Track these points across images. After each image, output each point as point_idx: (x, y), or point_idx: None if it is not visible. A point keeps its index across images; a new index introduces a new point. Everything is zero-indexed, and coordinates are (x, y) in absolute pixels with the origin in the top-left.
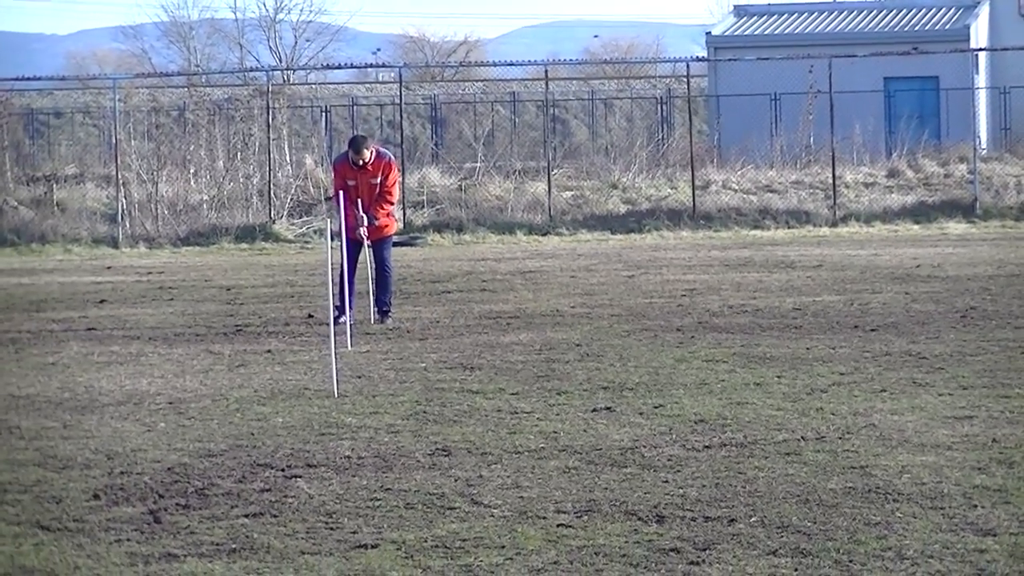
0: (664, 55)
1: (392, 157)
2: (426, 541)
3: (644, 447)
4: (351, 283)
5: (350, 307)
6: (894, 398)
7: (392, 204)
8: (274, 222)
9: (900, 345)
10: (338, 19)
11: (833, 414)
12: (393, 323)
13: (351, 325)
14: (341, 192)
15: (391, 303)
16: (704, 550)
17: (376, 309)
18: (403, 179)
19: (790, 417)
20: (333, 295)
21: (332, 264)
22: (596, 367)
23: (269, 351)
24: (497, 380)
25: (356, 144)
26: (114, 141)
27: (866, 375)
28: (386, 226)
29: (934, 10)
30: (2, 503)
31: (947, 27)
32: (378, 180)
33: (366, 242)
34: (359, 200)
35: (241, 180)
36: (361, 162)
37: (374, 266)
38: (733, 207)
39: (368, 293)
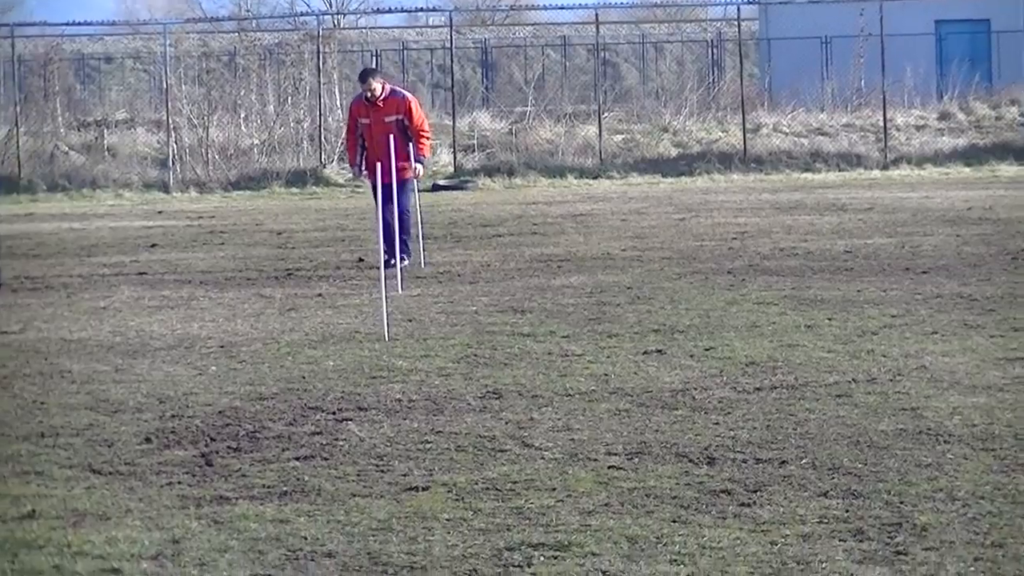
0: None
1: (409, 95)
2: (477, 484)
3: (695, 389)
4: (388, 226)
5: (396, 249)
6: (945, 340)
7: (427, 137)
8: (324, 166)
9: (951, 287)
10: None
11: (884, 356)
12: (407, 267)
13: (401, 269)
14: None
15: (407, 247)
16: (755, 492)
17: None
18: (453, 123)
19: (841, 359)
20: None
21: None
22: (647, 310)
23: (320, 295)
24: (548, 323)
25: (363, 75)
26: (164, 86)
27: (917, 317)
28: (403, 168)
29: None
30: (54, 446)
31: None
32: (394, 118)
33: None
34: (372, 140)
35: (292, 125)
36: (371, 95)
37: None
38: (784, 150)
39: (419, 237)
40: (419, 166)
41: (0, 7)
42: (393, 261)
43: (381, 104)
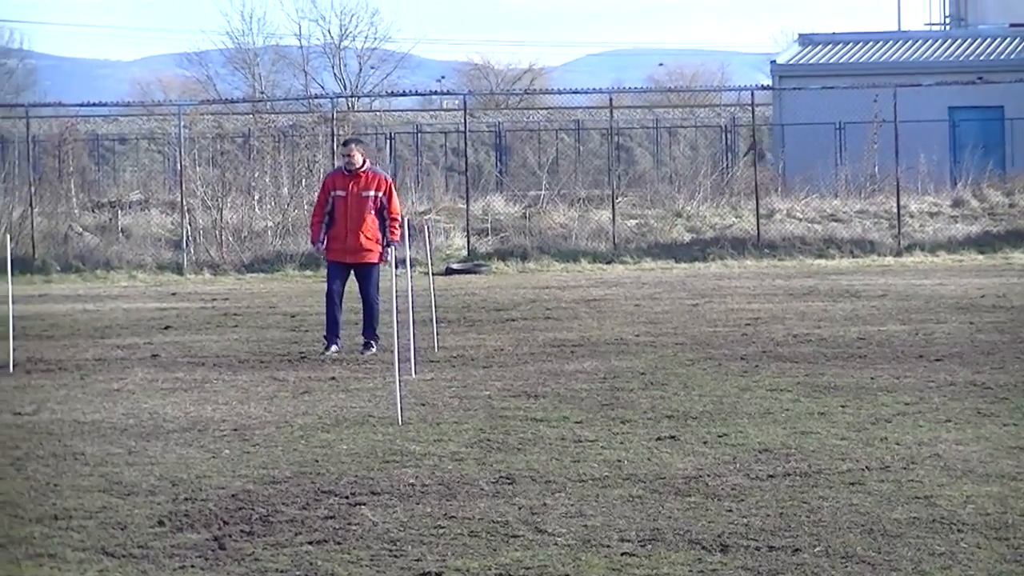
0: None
1: (387, 174)
2: (490, 569)
3: (708, 476)
4: (335, 305)
5: (336, 336)
6: (959, 428)
7: (399, 222)
8: None
9: (965, 375)
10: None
11: (898, 444)
12: (372, 355)
13: (373, 354)
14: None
15: (375, 336)
16: None
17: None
18: (467, 206)
19: (854, 447)
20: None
21: (397, 291)
22: (660, 395)
23: (333, 378)
24: (561, 408)
25: (347, 142)
26: (179, 167)
27: (931, 405)
28: (370, 251)
29: (999, 40)
30: (68, 529)
31: (1012, 57)
32: (371, 194)
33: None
34: (345, 215)
35: (306, 207)
36: (350, 165)
37: (359, 294)
38: (797, 236)
39: (431, 321)
40: (391, 250)
41: (15, 87)
42: (332, 348)
43: (362, 176)
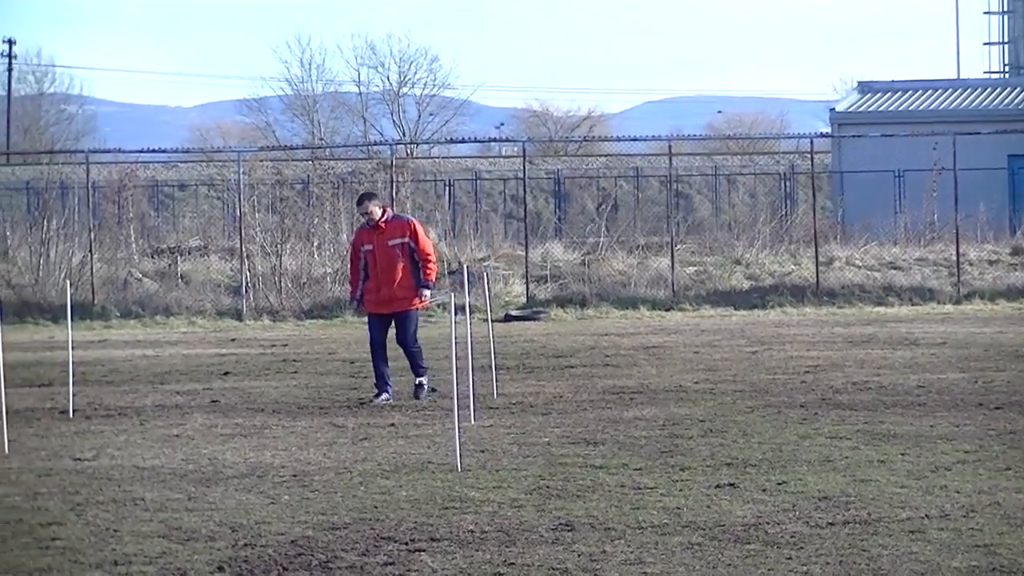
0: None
1: (412, 218)
2: None
3: (768, 523)
4: (380, 358)
5: (385, 384)
6: (1019, 476)
7: (432, 266)
8: None
9: None
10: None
11: (957, 492)
12: (429, 394)
13: (426, 397)
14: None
15: (424, 376)
16: None
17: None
18: (526, 253)
19: (914, 495)
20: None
21: (456, 337)
22: (719, 443)
23: (392, 424)
24: (620, 455)
25: (361, 199)
26: (238, 214)
27: (990, 453)
28: (405, 299)
29: None
30: (127, 575)
31: None
32: (398, 241)
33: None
34: (376, 267)
35: None
36: (369, 219)
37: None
38: (856, 284)
39: (490, 368)
40: (425, 291)
41: (75, 133)
42: (382, 396)
43: (383, 226)
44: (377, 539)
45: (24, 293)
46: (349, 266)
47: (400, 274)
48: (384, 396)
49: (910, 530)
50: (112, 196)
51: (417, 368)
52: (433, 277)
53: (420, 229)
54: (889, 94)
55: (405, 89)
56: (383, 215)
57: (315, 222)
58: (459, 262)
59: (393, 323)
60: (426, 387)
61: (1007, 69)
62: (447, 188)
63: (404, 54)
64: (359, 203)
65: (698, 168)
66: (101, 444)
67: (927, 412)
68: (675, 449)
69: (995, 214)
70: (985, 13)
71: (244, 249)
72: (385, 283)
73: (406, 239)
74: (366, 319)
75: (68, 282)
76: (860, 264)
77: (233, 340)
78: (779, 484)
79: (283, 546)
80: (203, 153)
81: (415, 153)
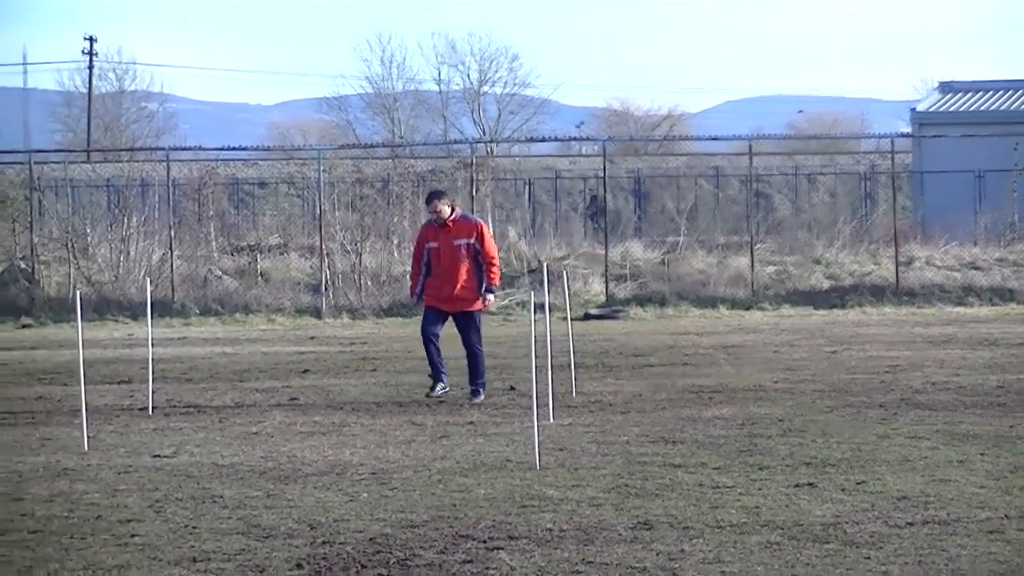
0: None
1: (479, 219)
2: None
3: (846, 523)
4: (433, 349)
5: (440, 374)
6: None
7: (496, 269)
8: None
9: None
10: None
11: None
12: (481, 402)
13: (478, 403)
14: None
15: (481, 382)
16: None
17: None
18: (606, 252)
19: (993, 495)
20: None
21: (535, 336)
22: (798, 442)
23: (471, 422)
24: (699, 454)
25: (430, 197)
26: (318, 212)
27: None
28: (466, 299)
29: None
30: (206, 571)
31: None
32: (464, 242)
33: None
34: (439, 265)
35: None
36: (437, 218)
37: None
38: (936, 284)
39: (569, 366)
40: (490, 296)
41: (155, 131)
42: (438, 386)
43: (451, 225)
44: (455, 537)
45: (104, 290)
46: (412, 261)
47: (463, 274)
48: (439, 387)
49: (989, 530)
50: (192, 194)
51: (476, 375)
52: (497, 281)
53: (487, 231)
54: (970, 94)
55: (485, 88)
56: (451, 214)
57: (395, 220)
58: (539, 261)
59: (455, 323)
60: (481, 397)
61: None
62: (527, 187)
63: (485, 52)
64: (428, 200)
65: (778, 168)
66: (180, 441)
67: (1006, 412)
68: (754, 448)
69: None
70: None
71: (324, 247)
72: (448, 282)
73: (472, 240)
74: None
75: (148, 279)
76: (940, 264)
77: (312, 338)
78: (858, 484)
79: (361, 544)
80: (283, 151)
81: (495, 152)
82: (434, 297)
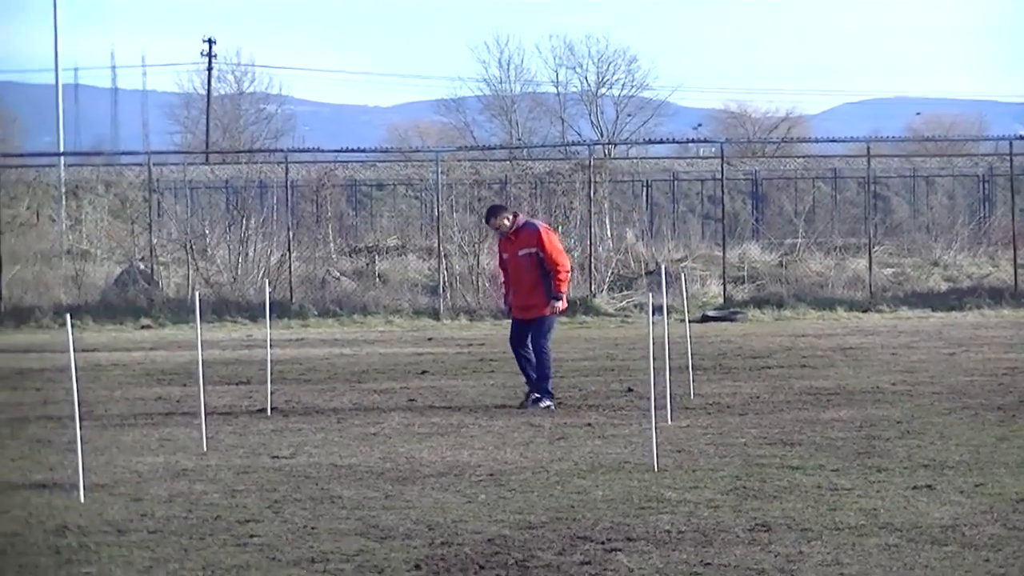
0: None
1: (540, 226)
2: None
3: (965, 525)
4: (521, 359)
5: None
6: None
7: (561, 276)
8: (594, 295)
9: None
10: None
11: None
12: (546, 408)
13: (548, 407)
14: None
15: (544, 388)
16: None
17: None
18: (724, 254)
19: None
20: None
21: (653, 338)
22: (917, 444)
23: (589, 424)
24: (817, 456)
25: (487, 215)
26: (436, 213)
27: None
28: (537, 306)
29: None
30: (324, 572)
31: None
32: (526, 251)
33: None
34: (510, 276)
35: None
36: (503, 233)
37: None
38: None
39: (686, 368)
40: (555, 303)
41: (274, 132)
42: (530, 398)
43: (514, 238)
44: (573, 539)
45: (223, 291)
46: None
47: (531, 283)
48: (544, 402)
49: None
50: (310, 195)
51: (542, 378)
52: (563, 288)
53: (547, 237)
54: None
55: (603, 90)
56: (513, 224)
57: None
58: (656, 262)
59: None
60: (545, 404)
61: None
62: (644, 189)
63: (602, 55)
64: (487, 219)
65: (896, 170)
66: (299, 442)
67: None
68: (872, 450)
69: None
70: None
71: (442, 248)
72: (518, 292)
73: (535, 249)
74: None
75: (266, 281)
76: None
77: (430, 339)
78: (976, 486)
79: (479, 545)
80: (401, 152)
81: (613, 153)
82: (514, 307)
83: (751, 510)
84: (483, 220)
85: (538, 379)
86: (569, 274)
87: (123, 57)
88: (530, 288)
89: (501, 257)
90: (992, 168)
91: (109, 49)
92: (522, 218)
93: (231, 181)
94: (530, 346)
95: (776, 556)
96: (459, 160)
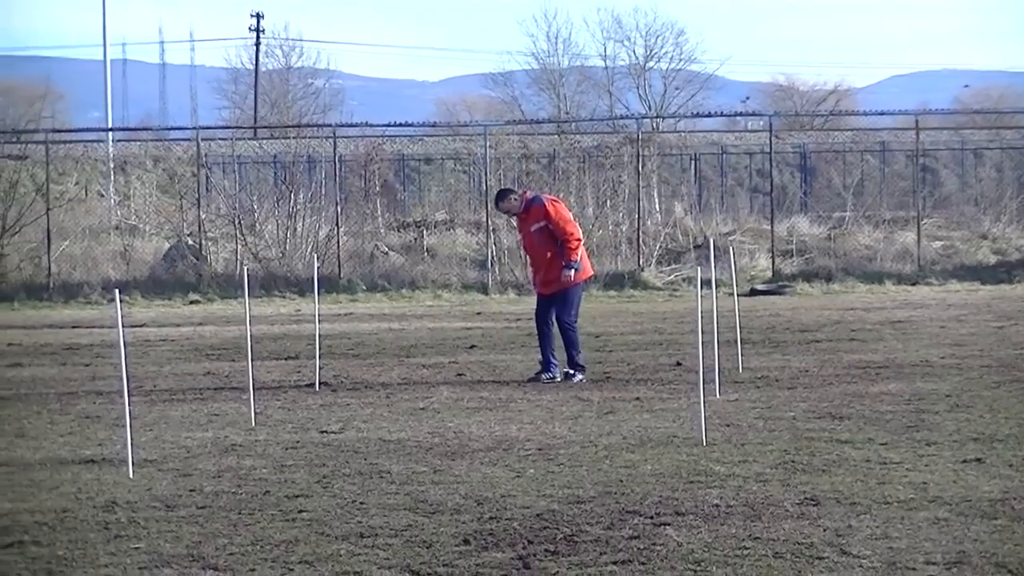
0: None
1: (545, 199)
2: None
3: (1015, 499)
4: (543, 336)
5: (549, 361)
6: None
7: (571, 244)
8: (643, 269)
9: None
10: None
11: None
12: (580, 381)
13: (580, 381)
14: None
15: (577, 362)
16: None
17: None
18: (772, 228)
19: None
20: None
21: (701, 311)
22: (966, 418)
23: (638, 398)
24: (866, 430)
25: (496, 200)
26: (484, 187)
27: None
28: (554, 280)
29: None
30: (373, 547)
31: None
32: (536, 226)
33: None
34: (528, 253)
35: (610, 227)
36: (512, 214)
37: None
38: None
39: (735, 342)
40: (568, 271)
41: (322, 107)
42: (545, 375)
43: (525, 216)
44: (622, 513)
45: (271, 266)
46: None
47: (547, 258)
48: (547, 375)
49: None
50: (358, 170)
51: (572, 356)
52: (574, 256)
53: (552, 208)
54: None
55: (651, 63)
56: (522, 202)
57: (561, 196)
58: (705, 236)
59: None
60: (579, 378)
61: None
62: (692, 162)
63: (650, 28)
64: (496, 205)
65: (945, 142)
66: (347, 417)
67: None
68: (921, 424)
69: None
70: None
71: (490, 223)
72: (537, 267)
73: (543, 222)
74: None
75: (315, 255)
76: None
77: (479, 313)
78: None
79: (528, 519)
80: (449, 127)
81: (661, 127)
82: (537, 284)
83: (800, 484)
84: (494, 206)
85: (572, 354)
86: (580, 242)
87: (171, 32)
88: (548, 262)
89: (521, 238)
90: None
91: (157, 24)
92: (530, 194)
93: (279, 156)
94: (553, 322)
95: (825, 530)
96: (507, 134)
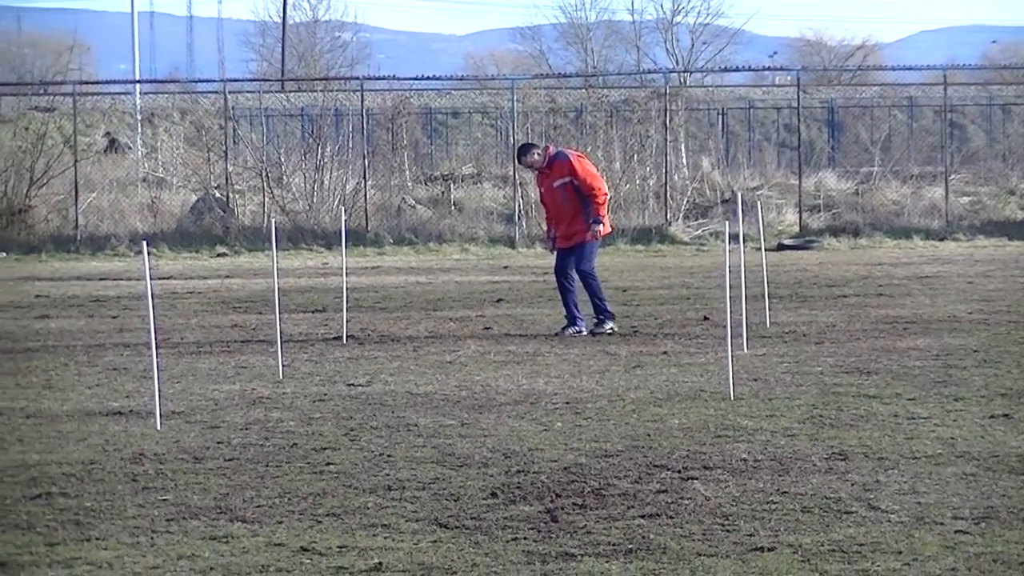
0: None
1: (571, 154)
2: (823, 545)
3: None
4: (566, 292)
5: (574, 315)
6: None
7: (598, 199)
8: (670, 224)
9: None
10: (735, 22)
11: None
12: (610, 330)
13: (609, 331)
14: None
15: (605, 308)
16: None
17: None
18: (799, 183)
19: None
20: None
21: (729, 266)
22: (994, 373)
23: (665, 352)
24: (894, 385)
25: (518, 155)
26: (511, 141)
27: None
28: (578, 232)
29: None
30: (401, 500)
31: None
32: (561, 181)
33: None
34: (549, 208)
35: (638, 182)
36: (535, 169)
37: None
38: None
39: (762, 297)
40: (596, 227)
41: (349, 60)
42: (571, 328)
43: (548, 171)
44: (650, 467)
45: (299, 219)
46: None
47: (570, 213)
48: (571, 329)
49: None
50: (386, 123)
51: (598, 307)
52: (602, 211)
53: (579, 164)
54: None
55: (679, 18)
56: (545, 158)
57: (588, 150)
58: (732, 191)
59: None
60: (609, 326)
61: None
62: (720, 117)
63: None
64: (518, 159)
65: (972, 98)
66: (375, 370)
67: None
68: (949, 379)
69: None
70: None
71: (517, 177)
72: (559, 222)
73: (568, 178)
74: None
75: (342, 209)
76: None
77: (506, 267)
78: None
79: (556, 473)
80: (477, 80)
81: (688, 82)
82: (558, 238)
83: (827, 439)
84: (516, 159)
85: (593, 304)
86: (607, 196)
87: None
88: (571, 217)
89: (541, 193)
90: None
91: None
92: (553, 149)
93: (306, 109)
94: (574, 275)
95: (853, 485)
96: (535, 88)
